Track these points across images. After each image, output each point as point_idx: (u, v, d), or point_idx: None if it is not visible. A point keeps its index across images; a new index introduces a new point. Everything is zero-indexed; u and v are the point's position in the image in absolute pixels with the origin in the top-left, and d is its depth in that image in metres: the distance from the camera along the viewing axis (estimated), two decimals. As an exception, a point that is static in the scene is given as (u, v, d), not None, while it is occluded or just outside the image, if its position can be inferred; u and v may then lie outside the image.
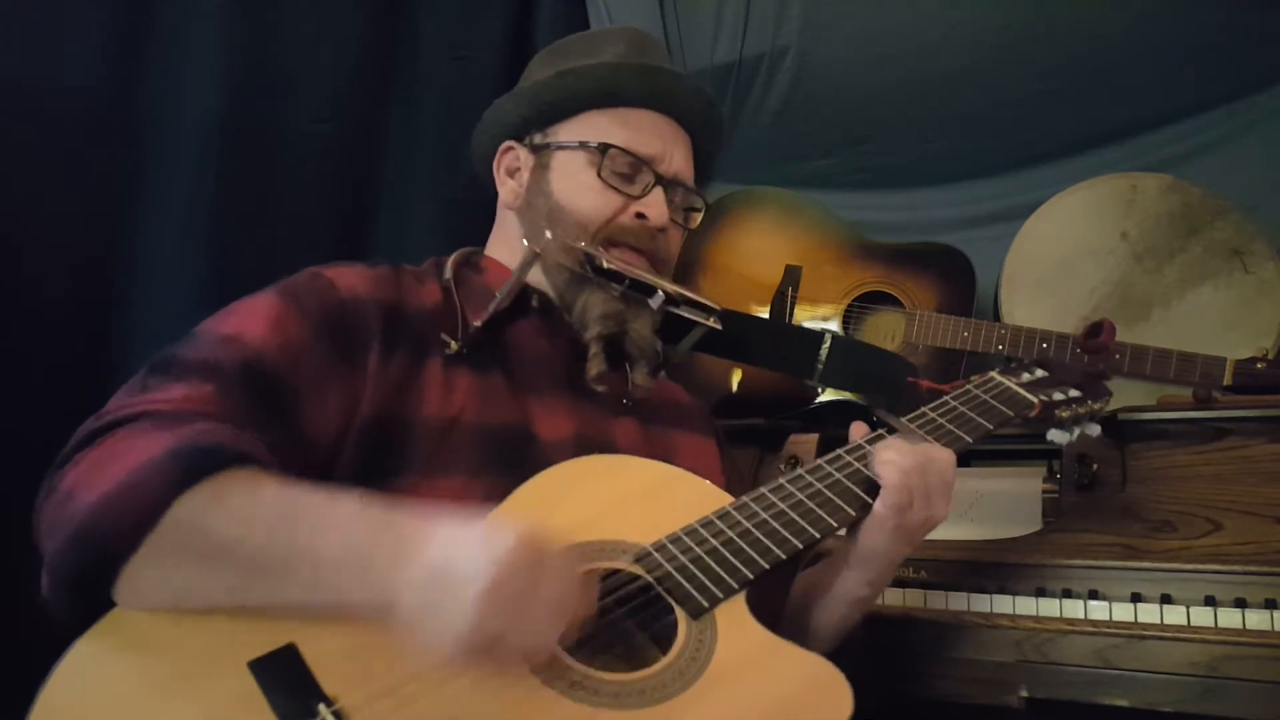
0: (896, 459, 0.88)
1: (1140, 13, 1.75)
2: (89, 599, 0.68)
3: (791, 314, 1.84)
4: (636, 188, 1.05)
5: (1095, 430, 1.13)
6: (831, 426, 1.05)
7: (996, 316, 1.70)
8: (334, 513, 0.71)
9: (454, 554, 0.67)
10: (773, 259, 1.90)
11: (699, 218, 1.15)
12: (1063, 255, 1.67)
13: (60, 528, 0.69)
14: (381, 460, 0.87)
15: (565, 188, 1.05)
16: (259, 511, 0.70)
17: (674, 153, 1.08)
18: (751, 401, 1.64)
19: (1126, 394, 1.48)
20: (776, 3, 1.94)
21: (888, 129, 2.04)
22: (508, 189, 1.11)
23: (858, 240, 1.93)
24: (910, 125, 2.01)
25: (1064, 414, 1.09)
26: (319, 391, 0.86)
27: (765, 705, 0.71)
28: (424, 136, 1.78)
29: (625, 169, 1.05)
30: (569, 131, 1.07)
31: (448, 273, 1.03)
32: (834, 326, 1.83)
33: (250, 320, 0.87)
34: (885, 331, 1.79)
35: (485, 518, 0.71)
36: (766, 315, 1.85)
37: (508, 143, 1.11)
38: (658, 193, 1.05)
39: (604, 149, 1.04)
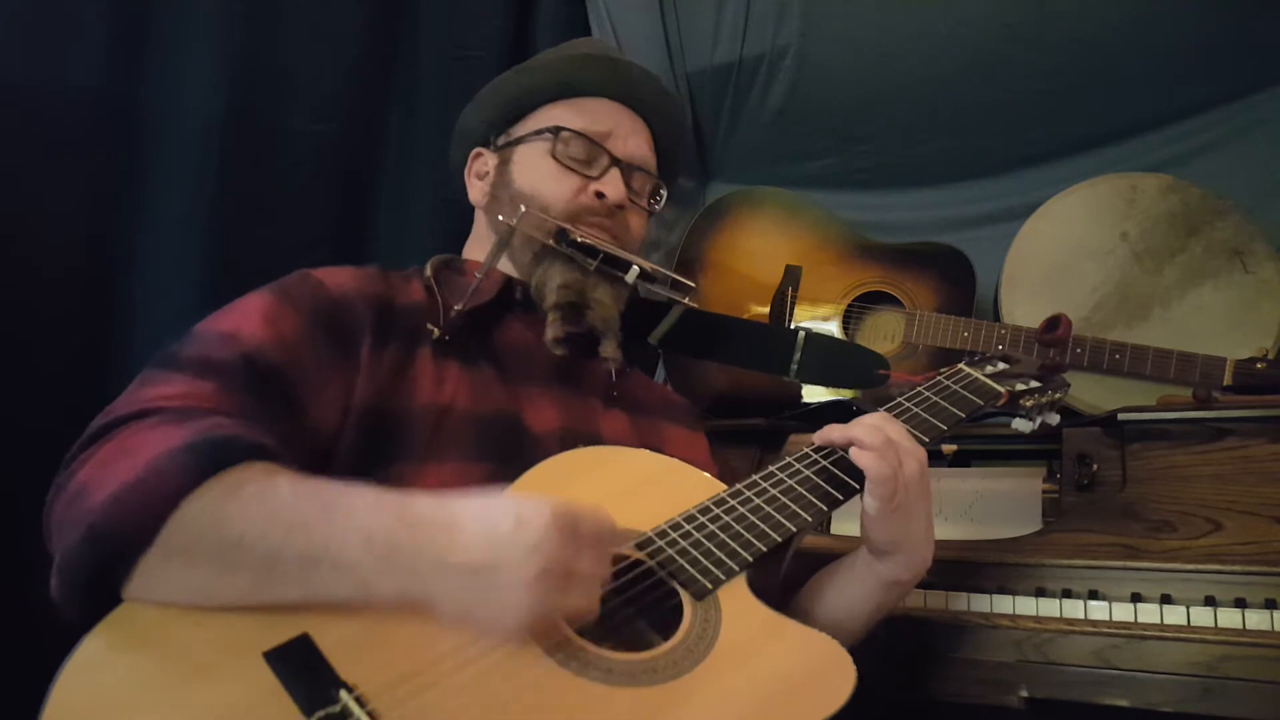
0: (869, 438, 0.89)
1: (1140, 13, 1.75)
2: (101, 598, 0.67)
3: (791, 314, 1.84)
4: (595, 169, 1.10)
5: (1054, 419, 1.17)
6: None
7: (996, 316, 1.70)
8: (350, 506, 0.70)
9: (489, 544, 0.68)
10: (773, 259, 1.90)
11: (662, 201, 1.20)
12: (1063, 255, 1.66)
13: (72, 526, 0.68)
14: (378, 448, 0.89)
15: (526, 175, 1.10)
16: (274, 508, 0.69)
17: (629, 135, 1.13)
18: (751, 401, 1.64)
19: (1126, 394, 1.48)
20: (776, 3, 1.94)
21: (888, 129, 2.03)
22: (476, 189, 1.16)
23: (858, 240, 1.93)
24: (910, 125, 2.01)
25: (1027, 403, 1.13)
26: (317, 384, 0.88)
27: (774, 679, 0.73)
28: (424, 136, 1.78)
29: (581, 152, 1.10)
30: (527, 126, 1.14)
31: (428, 271, 1.07)
32: (834, 326, 1.83)
33: (246, 318, 0.88)
34: (885, 331, 1.79)
35: (504, 495, 0.72)
36: (767, 314, 1.86)
37: (476, 149, 1.17)
38: (614, 173, 1.10)
39: (556, 131, 1.10)
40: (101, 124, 1.40)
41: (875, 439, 0.88)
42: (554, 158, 1.09)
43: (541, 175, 1.09)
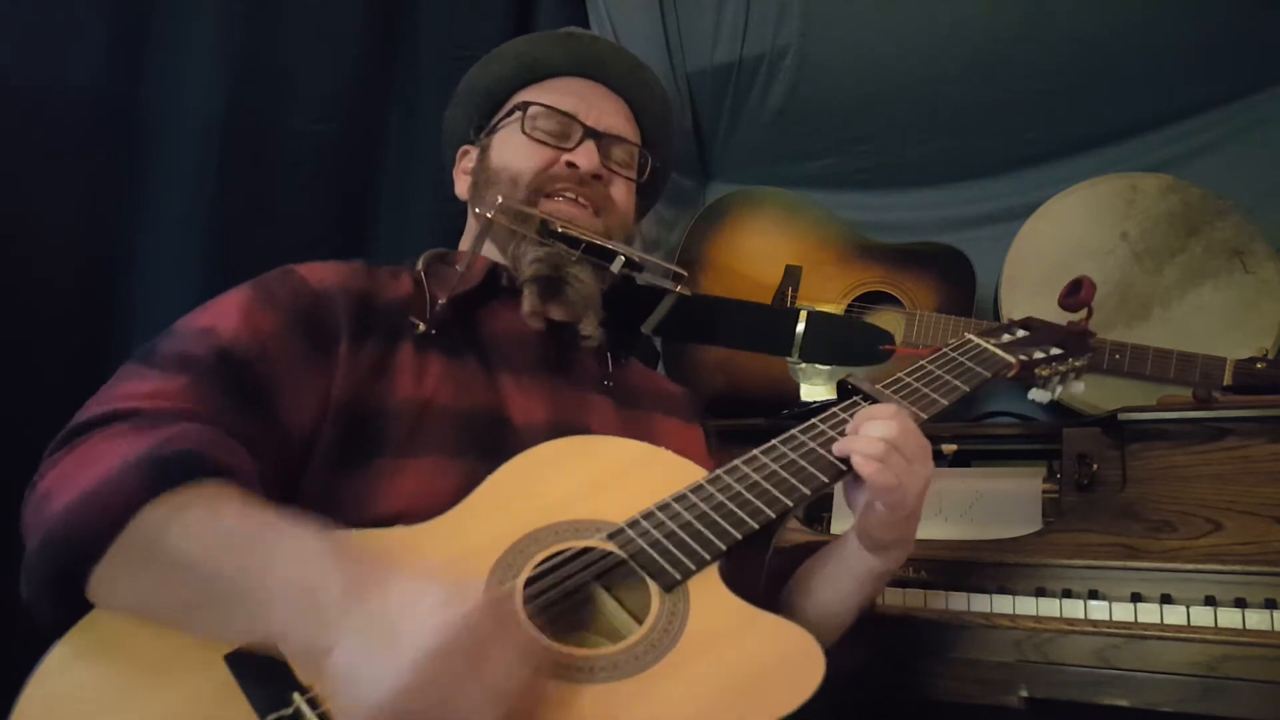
0: (870, 449, 0.86)
1: (1140, 13, 1.75)
2: (63, 602, 0.69)
3: (791, 314, 1.83)
4: (569, 142, 1.10)
5: (1079, 388, 1.13)
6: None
7: (997, 316, 1.70)
8: (290, 544, 0.68)
9: (403, 611, 0.61)
10: (773, 259, 1.90)
11: (647, 170, 1.18)
12: (1063, 255, 1.66)
13: (35, 530, 0.70)
14: (357, 443, 0.88)
15: (500, 155, 1.11)
16: (216, 534, 0.68)
17: (601, 108, 1.13)
18: (750, 401, 1.64)
19: (1127, 394, 1.48)
20: (776, 3, 1.94)
21: (888, 129, 2.03)
22: (462, 184, 1.17)
23: (858, 240, 1.93)
24: (910, 125, 2.01)
25: (1044, 372, 1.09)
26: (294, 380, 0.87)
27: (737, 672, 0.71)
28: (424, 136, 1.78)
29: (552, 126, 1.10)
30: (501, 113, 1.15)
31: (419, 265, 1.07)
32: (834, 326, 1.83)
33: (224, 314, 0.88)
34: (885, 331, 1.79)
35: (450, 575, 0.66)
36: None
37: (463, 148, 1.19)
38: (588, 144, 1.09)
39: (524, 107, 1.11)
40: (101, 124, 1.39)
41: (874, 450, 0.86)
42: (525, 133, 1.09)
43: (514, 150, 1.10)
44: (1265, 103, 1.80)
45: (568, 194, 1.08)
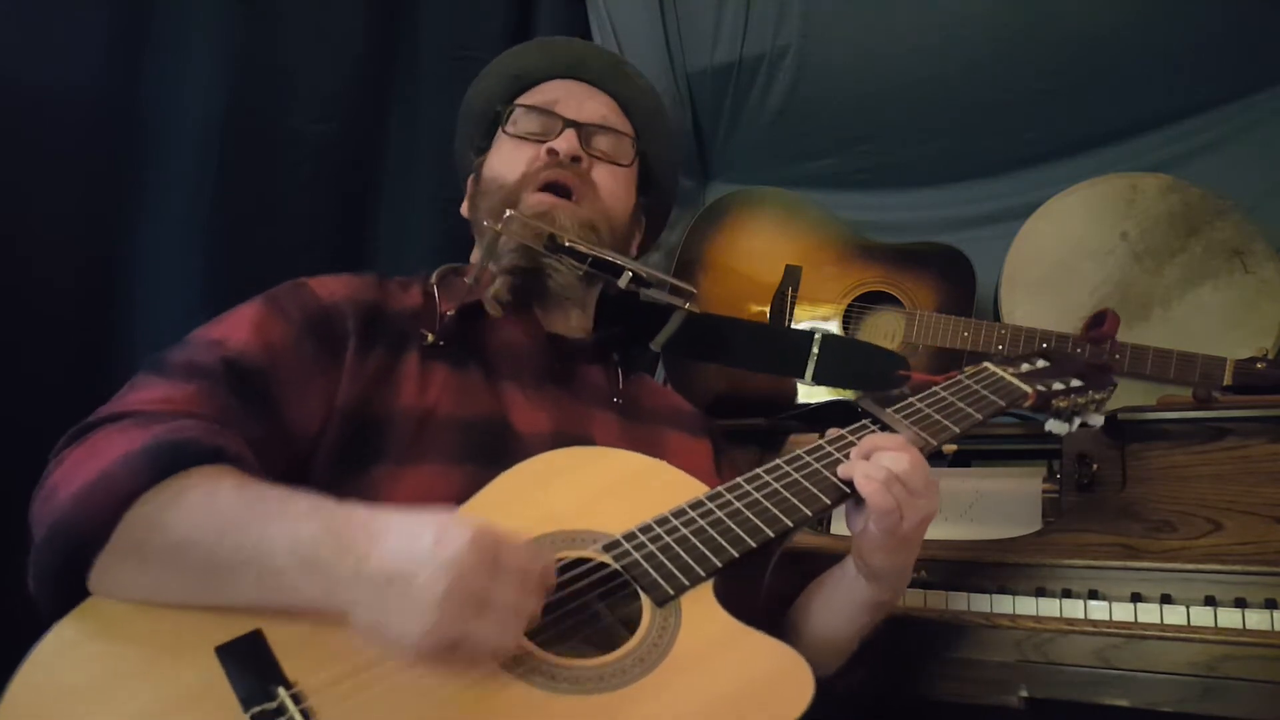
0: (872, 472, 0.85)
1: (1140, 13, 1.75)
2: (68, 593, 0.70)
3: (791, 314, 1.84)
4: (551, 136, 1.12)
5: (1098, 421, 1.11)
6: (832, 427, 1.05)
7: (996, 316, 1.70)
8: (284, 513, 0.71)
9: (407, 556, 0.66)
10: (773, 259, 1.90)
11: (633, 155, 1.19)
12: (1063, 255, 1.66)
13: (41, 523, 0.72)
14: (359, 449, 0.89)
15: (491, 165, 1.14)
16: (212, 512, 0.70)
17: (582, 100, 1.15)
18: (751, 401, 1.64)
19: (1127, 394, 1.48)
20: (776, 3, 1.94)
21: (888, 129, 2.03)
22: (466, 204, 1.20)
23: (858, 240, 1.93)
24: (910, 125, 2.01)
25: (1062, 404, 1.07)
26: (302, 388, 0.89)
27: (724, 690, 0.71)
28: (424, 136, 1.78)
29: (534, 124, 1.13)
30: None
31: (432, 278, 1.08)
32: (834, 326, 1.83)
33: (235, 326, 0.90)
34: (885, 331, 1.79)
35: (438, 512, 0.69)
36: (767, 314, 1.85)
37: (470, 178, 1.21)
38: (568, 131, 1.11)
39: (507, 112, 1.14)
40: (101, 124, 1.40)
41: (878, 474, 0.85)
42: (508, 134, 1.13)
43: (501, 157, 1.13)
44: (1265, 103, 1.80)
45: (548, 182, 1.09)
